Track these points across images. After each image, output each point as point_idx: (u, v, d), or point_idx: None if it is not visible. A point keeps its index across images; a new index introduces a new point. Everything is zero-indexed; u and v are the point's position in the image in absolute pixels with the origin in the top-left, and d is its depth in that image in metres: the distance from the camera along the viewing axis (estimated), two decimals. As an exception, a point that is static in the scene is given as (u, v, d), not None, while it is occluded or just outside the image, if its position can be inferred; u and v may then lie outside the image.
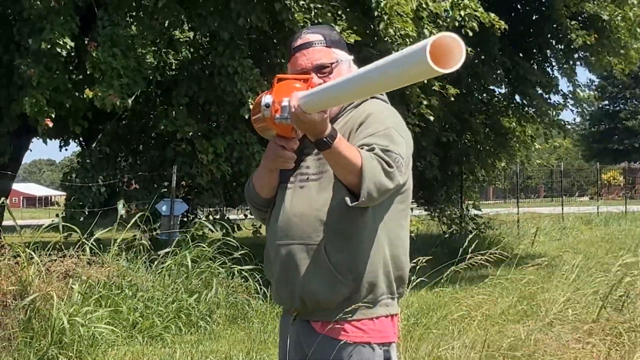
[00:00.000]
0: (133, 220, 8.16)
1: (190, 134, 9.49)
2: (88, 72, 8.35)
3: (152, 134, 11.14)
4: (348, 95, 2.01)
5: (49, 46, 7.93)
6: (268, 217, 2.45)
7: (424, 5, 9.02)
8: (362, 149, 2.17)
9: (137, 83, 8.58)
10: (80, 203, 9.55)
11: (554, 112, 13.61)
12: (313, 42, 2.36)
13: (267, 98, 2.16)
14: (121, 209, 8.06)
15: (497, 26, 9.57)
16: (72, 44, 8.14)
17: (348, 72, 2.35)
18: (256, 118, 2.34)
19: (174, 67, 10.62)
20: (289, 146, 2.26)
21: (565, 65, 13.41)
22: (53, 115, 8.44)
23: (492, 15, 9.53)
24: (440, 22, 9.48)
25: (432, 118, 9.81)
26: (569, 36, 11.64)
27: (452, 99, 10.02)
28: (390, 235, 2.31)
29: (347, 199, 2.15)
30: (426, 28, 9.09)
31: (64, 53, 8.10)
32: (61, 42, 7.94)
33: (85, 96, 8.30)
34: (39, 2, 7.91)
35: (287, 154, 2.27)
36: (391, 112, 2.39)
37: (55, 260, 6.48)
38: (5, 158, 9.73)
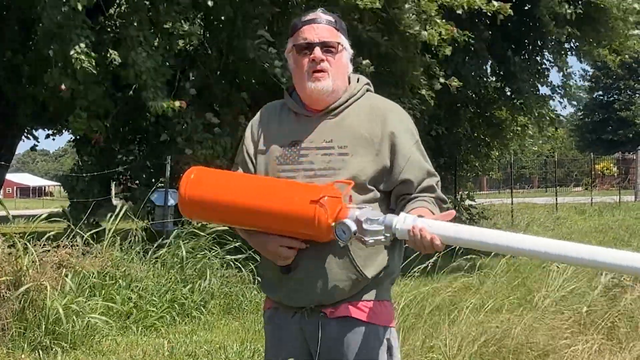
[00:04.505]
0: (123, 208, 8.19)
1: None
2: (125, 82, 8.26)
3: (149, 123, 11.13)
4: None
5: (78, 65, 7.70)
6: None
7: None
8: (422, 181, 2.32)
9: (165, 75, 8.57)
10: (86, 198, 9.65)
11: (543, 105, 13.69)
12: (324, 19, 2.36)
13: (349, 224, 2.10)
14: (115, 200, 8.10)
15: (503, 12, 9.58)
16: (89, 56, 7.87)
17: (348, 63, 2.40)
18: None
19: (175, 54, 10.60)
20: (300, 247, 2.25)
21: (556, 56, 13.44)
22: (97, 130, 8.42)
23: (496, 3, 9.54)
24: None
25: (432, 102, 9.86)
26: (550, 35, 11.67)
27: (456, 91, 10.07)
28: None
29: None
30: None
31: (92, 68, 7.85)
32: (85, 59, 7.73)
33: (153, 110, 8.19)
34: (56, 13, 7.71)
35: (292, 254, 2.25)
36: (399, 108, 2.45)
37: (49, 250, 6.47)
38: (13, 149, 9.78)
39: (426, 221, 2.11)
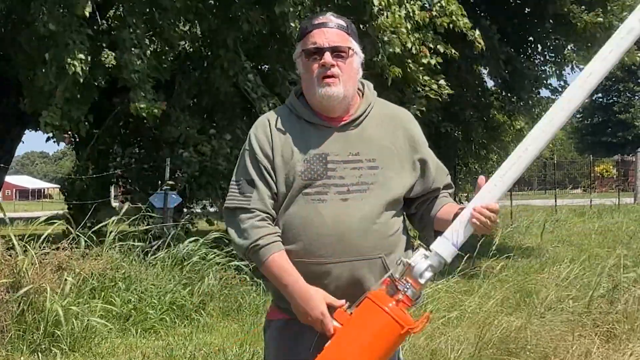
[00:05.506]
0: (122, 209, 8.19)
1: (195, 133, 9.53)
2: (120, 84, 8.19)
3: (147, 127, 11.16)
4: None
5: (71, 71, 7.59)
6: (288, 235, 2.24)
7: (411, 14, 8.99)
8: (445, 178, 2.41)
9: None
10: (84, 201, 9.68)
11: (543, 105, 13.72)
12: (335, 23, 2.26)
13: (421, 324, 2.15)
14: (115, 202, 8.12)
15: (477, 43, 9.56)
16: (84, 61, 7.73)
17: (359, 68, 2.31)
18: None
19: (170, 59, 10.61)
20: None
21: (557, 59, 13.45)
22: (70, 131, 8.37)
23: (476, 32, 9.52)
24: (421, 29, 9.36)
25: (446, 93, 9.80)
26: (574, 21, 11.62)
27: (447, 97, 10.02)
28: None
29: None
30: (409, 37, 9.02)
31: (80, 71, 7.69)
32: (78, 66, 7.58)
33: (133, 111, 8.13)
34: (54, 18, 7.61)
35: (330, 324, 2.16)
36: (411, 115, 2.49)
37: (49, 252, 6.46)
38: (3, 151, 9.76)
39: (470, 207, 2.15)
